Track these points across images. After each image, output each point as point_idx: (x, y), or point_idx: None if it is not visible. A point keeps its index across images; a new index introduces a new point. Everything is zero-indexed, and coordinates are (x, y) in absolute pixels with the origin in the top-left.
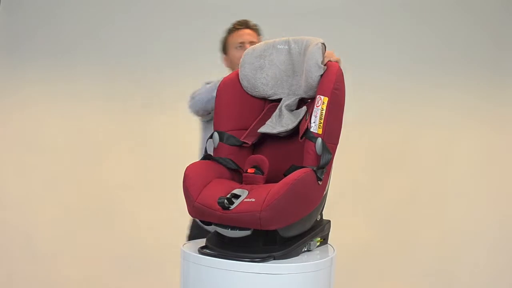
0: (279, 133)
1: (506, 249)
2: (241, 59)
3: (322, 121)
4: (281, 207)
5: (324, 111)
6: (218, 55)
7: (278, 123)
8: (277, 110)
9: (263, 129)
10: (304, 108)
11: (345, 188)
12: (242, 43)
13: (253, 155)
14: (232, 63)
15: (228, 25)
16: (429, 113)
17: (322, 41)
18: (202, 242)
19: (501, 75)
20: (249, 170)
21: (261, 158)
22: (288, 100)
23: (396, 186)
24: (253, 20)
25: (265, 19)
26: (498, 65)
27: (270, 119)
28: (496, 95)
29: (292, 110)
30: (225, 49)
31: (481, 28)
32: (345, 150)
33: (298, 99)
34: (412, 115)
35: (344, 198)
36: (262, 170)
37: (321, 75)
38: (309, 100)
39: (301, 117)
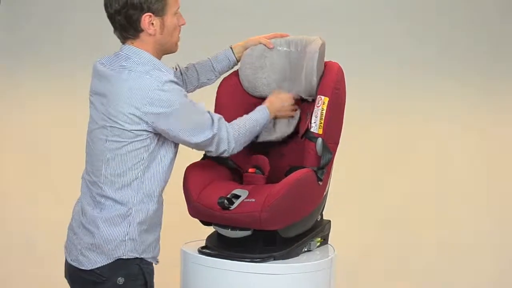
0: (277, 139)
1: (508, 249)
2: (241, 60)
3: (322, 121)
4: (281, 207)
5: (324, 111)
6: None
7: (273, 130)
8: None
9: (261, 138)
10: (298, 111)
11: (345, 188)
12: (178, 9)
13: (254, 155)
14: (166, 30)
15: (234, 26)
16: (430, 112)
17: (320, 40)
18: (202, 242)
19: (503, 73)
20: (249, 170)
21: (262, 158)
22: None
23: (397, 186)
24: (254, 21)
25: (266, 19)
26: (500, 64)
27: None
28: (498, 94)
29: None
30: (162, 9)
31: (483, 26)
32: (346, 150)
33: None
34: (412, 114)
35: (344, 198)
36: (263, 170)
37: (321, 76)
38: (310, 100)
39: (296, 121)
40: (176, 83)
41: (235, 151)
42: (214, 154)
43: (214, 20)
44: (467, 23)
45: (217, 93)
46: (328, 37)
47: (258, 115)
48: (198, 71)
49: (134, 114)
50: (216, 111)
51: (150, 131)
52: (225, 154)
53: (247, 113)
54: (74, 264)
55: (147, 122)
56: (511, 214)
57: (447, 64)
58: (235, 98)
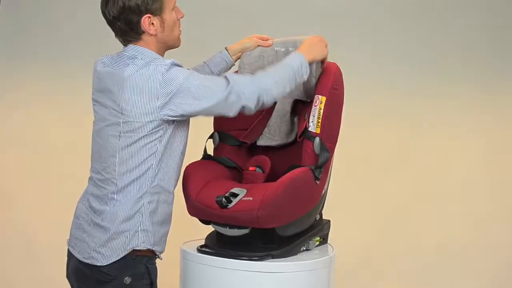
0: (277, 145)
1: (507, 250)
2: (240, 61)
3: (320, 120)
4: (278, 205)
5: (322, 111)
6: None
7: (276, 135)
8: (272, 118)
9: (261, 142)
10: (296, 119)
11: (345, 187)
12: (175, 3)
13: (255, 156)
14: (166, 28)
15: (235, 26)
16: (430, 112)
17: None
18: (201, 241)
19: (503, 73)
20: (250, 168)
21: (263, 158)
22: (282, 103)
23: (397, 186)
24: (254, 21)
25: (266, 19)
26: (500, 64)
27: (267, 128)
28: (498, 94)
29: (291, 114)
30: (160, 8)
31: (483, 27)
32: (346, 150)
33: (292, 101)
34: (412, 115)
35: (344, 198)
36: (263, 169)
37: (318, 77)
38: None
39: (297, 129)
40: (178, 64)
41: (272, 95)
42: (252, 108)
43: (214, 20)
44: (467, 23)
45: None
46: (327, 37)
47: (287, 59)
48: None
49: (147, 104)
50: None
51: (164, 120)
52: (264, 99)
53: None
54: (87, 261)
55: (162, 109)
56: (511, 214)
57: (447, 64)
58: None
